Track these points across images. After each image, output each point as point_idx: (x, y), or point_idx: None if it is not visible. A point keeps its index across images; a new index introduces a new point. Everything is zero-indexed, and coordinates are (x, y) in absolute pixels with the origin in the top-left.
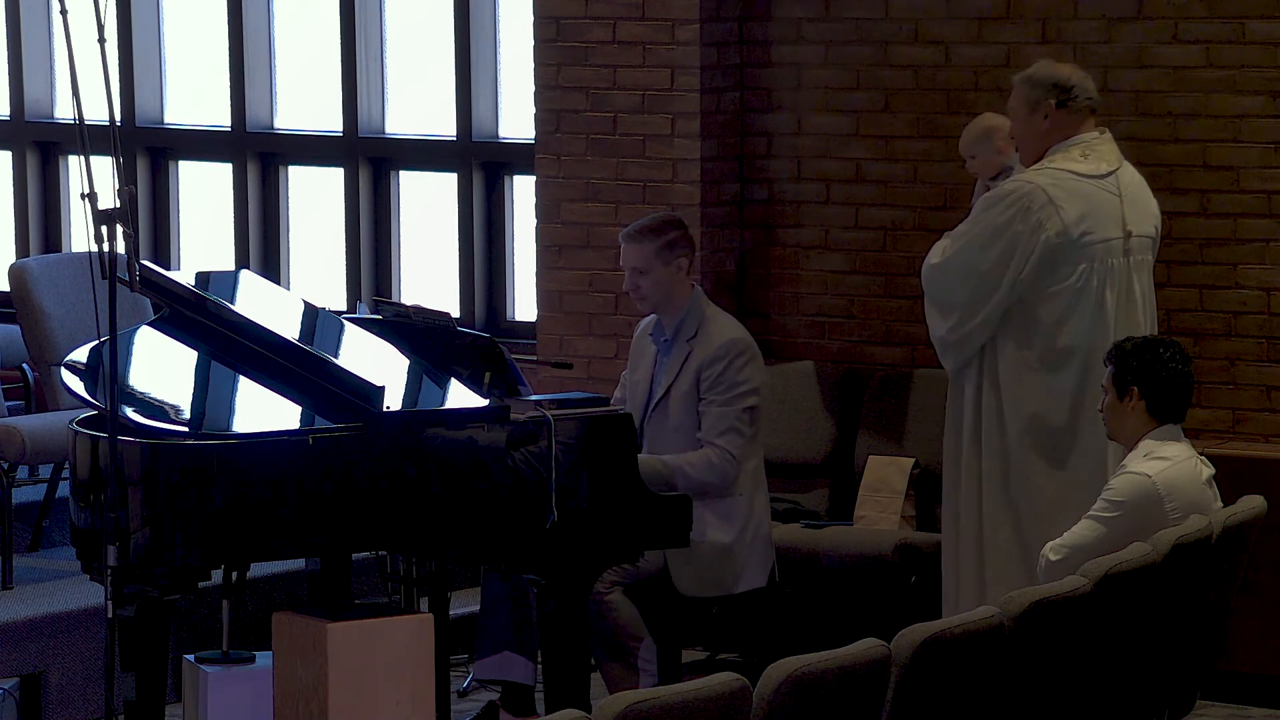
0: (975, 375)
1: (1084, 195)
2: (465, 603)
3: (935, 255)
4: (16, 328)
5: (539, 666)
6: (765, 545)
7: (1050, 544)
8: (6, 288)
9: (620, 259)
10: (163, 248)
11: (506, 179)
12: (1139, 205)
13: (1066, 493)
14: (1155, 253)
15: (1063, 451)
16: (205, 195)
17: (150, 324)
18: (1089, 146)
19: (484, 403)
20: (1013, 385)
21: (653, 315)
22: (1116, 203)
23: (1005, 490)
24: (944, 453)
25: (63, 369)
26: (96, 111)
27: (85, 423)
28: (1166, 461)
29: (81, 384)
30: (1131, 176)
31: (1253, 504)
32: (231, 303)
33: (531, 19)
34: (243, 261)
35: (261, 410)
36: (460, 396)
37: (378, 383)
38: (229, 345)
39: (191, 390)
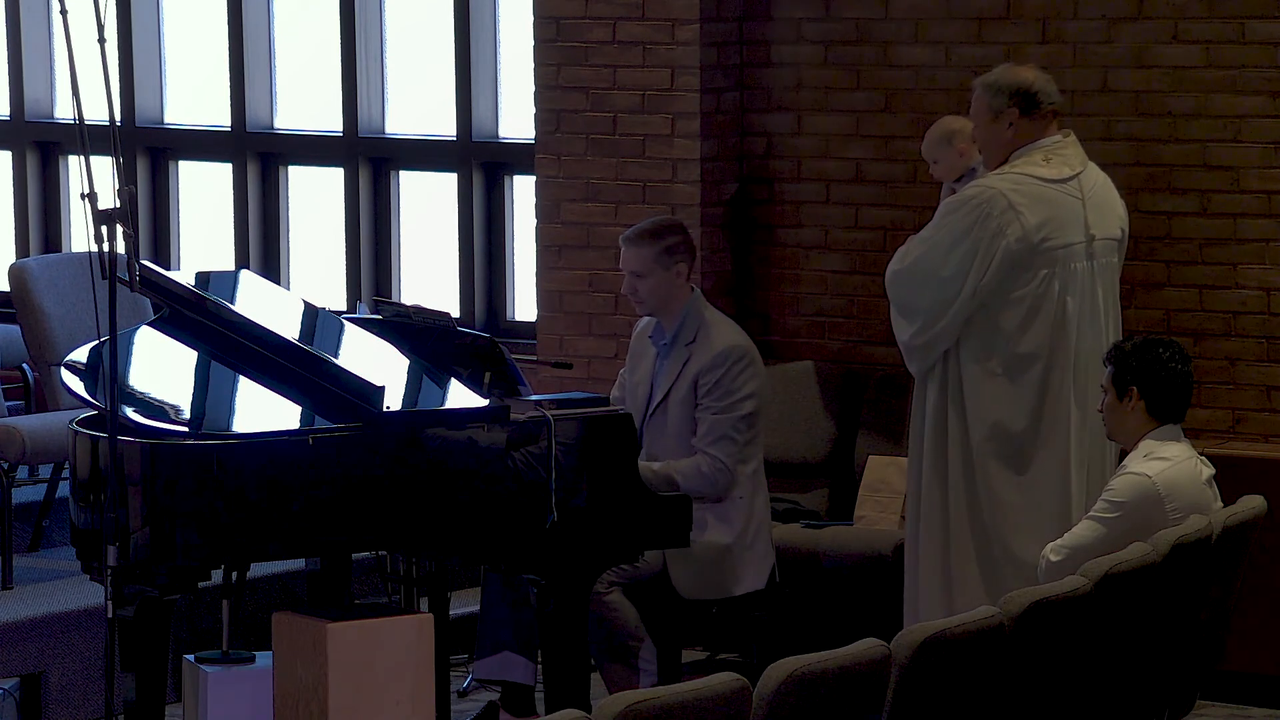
0: (938, 381)
1: (1046, 200)
2: (465, 603)
3: (898, 260)
4: (16, 328)
5: (539, 666)
6: (765, 547)
7: (1050, 544)
8: (6, 288)
9: (620, 261)
10: (163, 248)
11: (506, 179)
12: (1103, 208)
13: (1029, 498)
14: (1122, 255)
15: (1025, 457)
16: (205, 195)
17: (150, 324)
18: (1051, 150)
19: (484, 403)
20: (974, 392)
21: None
22: (1079, 207)
23: (968, 496)
24: (908, 458)
25: (63, 369)
26: (96, 111)
27: (85, 423)
28: (1167, 462)
29: (81, 384)
30: (1096, 179)
31: (1253, 504)
32: (231, 303)
33: (531, 19)
34: (243, 261)
35: (261, 410)
36: (460, 396)
37: (378, 383)
38: (229, 345)
39: (191, 390)
